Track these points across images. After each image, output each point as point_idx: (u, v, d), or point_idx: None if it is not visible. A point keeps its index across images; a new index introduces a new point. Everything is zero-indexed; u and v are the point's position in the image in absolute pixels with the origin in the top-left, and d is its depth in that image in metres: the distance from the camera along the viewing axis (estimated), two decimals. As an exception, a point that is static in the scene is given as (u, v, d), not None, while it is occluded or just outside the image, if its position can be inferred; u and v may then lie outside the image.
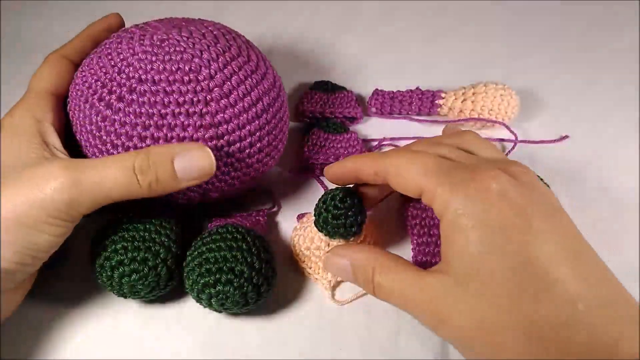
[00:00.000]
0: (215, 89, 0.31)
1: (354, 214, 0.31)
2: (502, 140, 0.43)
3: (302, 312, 0.34)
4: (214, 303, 0.30)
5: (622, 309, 0.24)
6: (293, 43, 0.53)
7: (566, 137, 0.43)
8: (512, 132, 0.42)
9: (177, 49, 0.32)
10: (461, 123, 0.43)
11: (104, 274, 0.30)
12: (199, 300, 0.30)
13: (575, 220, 0.38)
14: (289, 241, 0.37)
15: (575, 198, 0.39)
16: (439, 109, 0.43)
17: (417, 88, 0.44)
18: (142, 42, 0.32)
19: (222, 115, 0.32)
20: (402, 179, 0.28)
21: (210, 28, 0.34)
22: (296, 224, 0.37)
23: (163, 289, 0.32)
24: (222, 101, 0.32)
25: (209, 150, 0.29)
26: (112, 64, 0.32)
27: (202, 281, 0.30)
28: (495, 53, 0.49)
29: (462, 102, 0.42)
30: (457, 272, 0.24)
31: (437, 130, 0.43)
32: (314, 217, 0.33)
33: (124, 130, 0.31)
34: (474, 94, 0.42)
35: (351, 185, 0.33)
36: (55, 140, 0.31)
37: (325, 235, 0.33)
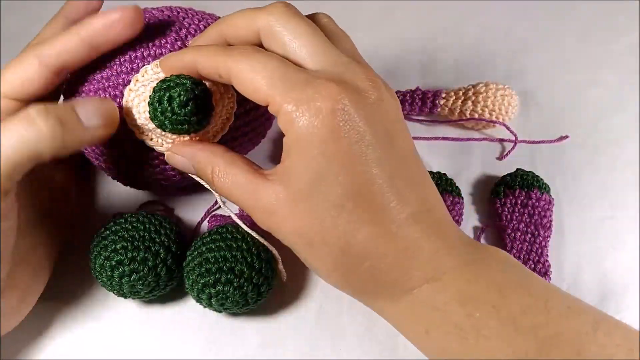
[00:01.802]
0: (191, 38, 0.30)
1: (197, 119, 0.27)
2: (502, 140, 0.43)
3: (302, 312, 0.34)
4: (214, 303, 0.30)
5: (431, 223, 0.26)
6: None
7: (566, 137, 0.43)
8: (512, 132, 0.42)
9: (161, 13, 0.32)
10: (461, 123, 0.43)
11: (104, 274, 0.30)
12: (199, 300, 0.30)
13: (576, 220, 0.39)
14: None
15: (575, 198, 0.39)
16: (439, 109, 0.43)
17: (417, 88, 0.44)
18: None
19: None
20: (248, 87, 0.26)
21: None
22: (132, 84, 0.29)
23: (163, 289, 0.32)
24: None
25: (111, 100, 0.29)
26: None
27: (202, 281, 0.30)
28: (495, 53, 0.49)
29: (462, 102, 0.42)
30: (293, 189, 0.25)
31: (437, 131, 0.43)
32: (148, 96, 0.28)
33: (101, 84, 0.30)
34: (474, 94, 0.42)
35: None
36: None
37: (162, 130, 0.28)
